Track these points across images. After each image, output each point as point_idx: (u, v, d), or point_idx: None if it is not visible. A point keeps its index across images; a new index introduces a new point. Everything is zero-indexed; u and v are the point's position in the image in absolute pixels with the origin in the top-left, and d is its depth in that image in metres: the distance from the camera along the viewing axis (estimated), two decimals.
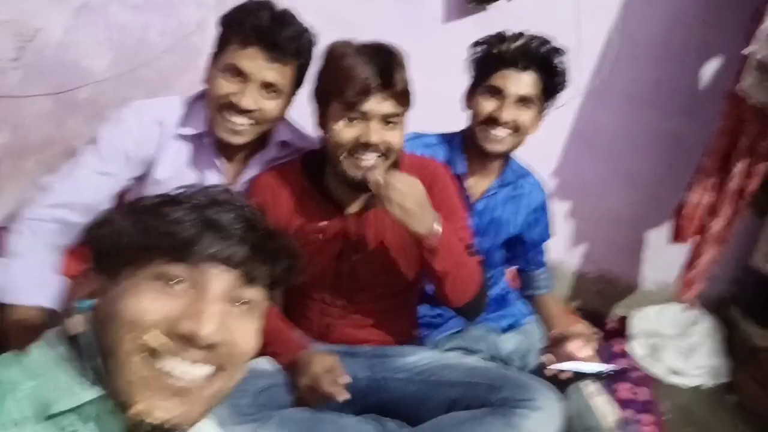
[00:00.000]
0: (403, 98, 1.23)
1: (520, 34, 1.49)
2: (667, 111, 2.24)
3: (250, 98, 1.26)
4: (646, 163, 2.32)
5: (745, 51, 1.79)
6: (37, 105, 1.81)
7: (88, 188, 1.30)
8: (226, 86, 1.27)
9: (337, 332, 1.41)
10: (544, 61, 1.48)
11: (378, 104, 1.20)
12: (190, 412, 0.65)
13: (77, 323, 0.68)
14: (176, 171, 1.35)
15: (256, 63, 1.25)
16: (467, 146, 1.59)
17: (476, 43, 1.54)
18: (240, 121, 1.29)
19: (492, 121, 1.49)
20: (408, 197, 1.18)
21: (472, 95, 1.56)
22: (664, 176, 2.33)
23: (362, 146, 1.21)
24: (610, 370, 1.27)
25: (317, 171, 1.33)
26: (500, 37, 1.50)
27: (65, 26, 1.78)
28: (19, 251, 1.23)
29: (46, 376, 0.64)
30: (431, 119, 1.57)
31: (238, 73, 1.26)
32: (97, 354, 0.65)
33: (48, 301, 1.17)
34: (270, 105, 1.30)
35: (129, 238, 0.67)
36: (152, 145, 1.33)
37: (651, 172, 2.33)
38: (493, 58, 1.49)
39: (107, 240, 0.69)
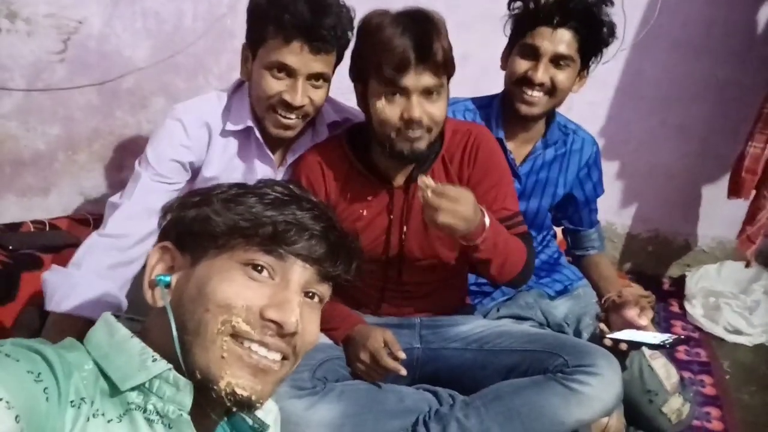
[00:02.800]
0: (443, 68, 1.19)
1: None
2: (720, 56, 2.12)
3: (301, 93, 1.25)
4: (699, 113, 2.21)
5: None
6: (84, 97, 1.86)
7: (154, 202, 1.23)
8: (276, 84, 1.25)
9: (388, 305, 1.41)
10: (583, 17, 1.40)
11: (417, 78, 1.16)
12: (264, 390, 0.69)
13: (158, 297, 0.71)
14: (225, 166, 1.36)
15: (301, 57, 1.22)
16: (505, 109, 1.54)
17: None
18: (292, 116, 1.28)
19: (526, 81, 1.44)
20: (458, 216, 1.13)
21: (507, 55, 1.51)
22: (718, 126, 2.22)
23: (407, 122, 1.19)
24: (669, 341, 1.23)
25: (362, 145, 1.32)
26: None
27: (104, 17, 1.81)
28: (76, 261, 1.23)
29: (109, 356, 0.67)
30: (468, 82, 1.52)
31: (285, 70, 1.24)
32: (175, 328, 0.68)
33: (87, 312, 1.15)
34: (318, 95, 1.29)
35: (221, 224, 0.71)
36: (202, 147, 1.34)
37: (704, 122, 2.23)
38: (528, 15, 1.43)
39: (196, 222, 0.72)
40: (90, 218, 1.84)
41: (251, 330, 0.67)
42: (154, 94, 1.99)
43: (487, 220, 1.20)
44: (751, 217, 2.09)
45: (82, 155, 1.91)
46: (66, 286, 1.18)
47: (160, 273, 0.73)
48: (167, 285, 0.71)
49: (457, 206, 1.12)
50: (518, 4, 1.47)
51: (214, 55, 2.13)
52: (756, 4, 2.07)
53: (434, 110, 1.20)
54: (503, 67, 1.53)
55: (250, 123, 1.34)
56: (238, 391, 0.67)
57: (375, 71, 1.17)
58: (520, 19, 1.47)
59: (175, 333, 0.67)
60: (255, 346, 0.68)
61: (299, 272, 0.71)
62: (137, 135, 1.99)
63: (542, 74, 1.42)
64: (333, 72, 1.32)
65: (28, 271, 1.48)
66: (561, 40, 1.41)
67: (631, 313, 1.36)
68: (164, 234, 0.76)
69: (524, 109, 1.47)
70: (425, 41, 1.15)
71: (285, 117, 1.27)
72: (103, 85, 1.88)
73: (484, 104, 1.58)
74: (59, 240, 1.67)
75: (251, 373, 0.68)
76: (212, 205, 0.72)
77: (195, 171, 1.35)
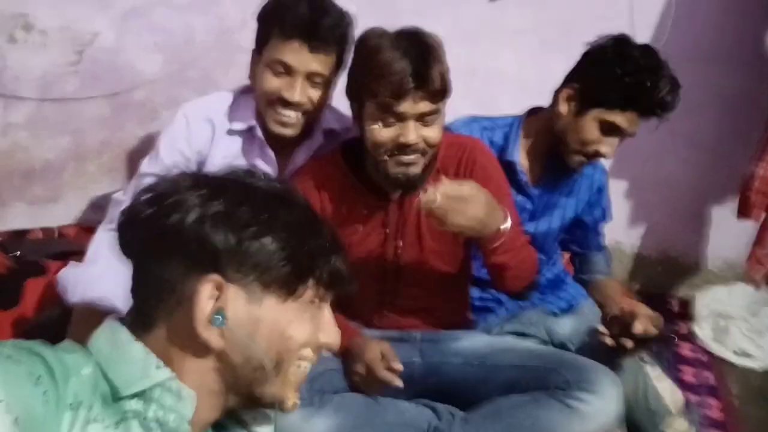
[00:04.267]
0: (440, 95, 1.18)
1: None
2: (732, 67, 2.09)
3: (299, 91, 1.28)
4: (709, 126, 2.17)
5: None
6: (94, 109, 1.89)
7: None
8: (275, 81, 1.29)
9: (386, 318, 1.41)
10: None
11: (414, 105, 1.16)
12: None
13: (216, 338, 0.66)
14: (227, 164, 1.37)
15: (300, 56, 1.26)
16: (526, 131, 1.55)
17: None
18: (290, 113, 1.31)
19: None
20: (474, 217, 1.12)
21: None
22: (730, 140, 2.18)
23: (401, 146, 1.19)
24: (671, 334, 1.22)
25: (357, 159, 1.33)
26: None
27: (116, 30, 1.85)
28: (89, 258, 1.31)
29: (112, 360, 0.66)
30: (473, 95, 1.53)
31: (284, 67, 1.28)
32: (269, 364, 0.69)
33: (110, 302, 1.20)
34: (317, 94, 1.32)
35: (282, 271, 0.68)
36: (205, 143, 1.37)
37: (715, 136, 2.19)
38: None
39: (246, 255, 0.66)
40: (98, 227, 1.85)
41: (314, 356, 0.74)
42: (163, 107, 2.02)
43: (506, 224, 1.19)
44: (760, 239, 2.06)
45: (91, 166, 1.93)
46: (86, 279, 1.23)
47: (214, 311, 0.65)
48: (222, 325, 0.66)
49: (467, 207, 1.11)
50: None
51: (224, 69, 2.15)
52: (766, 15, 2.05)
53: (430, 134, 1.20)
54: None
55: (253, 122, 1.38)
56: (292, 403, 0.73)
57: (371, 95, 1.17)
58: None
59: (271, 369, 0.69)
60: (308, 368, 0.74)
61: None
62: (146, 147, 2.01)
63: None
64: (334, 76, 1.35)
65: (33, 277, 1.49)
66: None
67: (637, 325, 1.32)
68: (207, 260, 0.65)
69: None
70: (423, 68, 1.14)
71: (283, 114, 1.31)
72: (113, 97, 1.90)
73: (502, 124, 1.57)
74: (66, 247, 1.69)
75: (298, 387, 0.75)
76: (275, 235, 0.67)
77: (198, 167, 1.38)
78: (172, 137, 1.38)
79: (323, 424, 1.18)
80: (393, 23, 1.23)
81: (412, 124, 1.17)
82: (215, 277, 0.65)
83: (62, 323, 1.24)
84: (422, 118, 1.18)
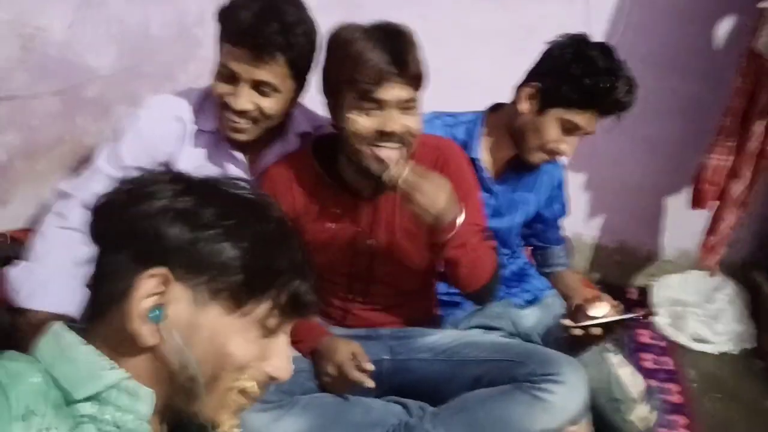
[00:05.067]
0: (418, 81, 1.19)
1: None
2: (685, 73, 2.17)
3: (243, 99, 1.23)
4: (665, 128, 2.26)
5: (761, 5, 1.73)
6: (45, 105, 1.81)
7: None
8: (221, 87, 1.25)
9: (355, 316, 1.40)
10: None
11: (394, 91, 1.15)
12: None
13: (150, 334, 0.63)
14: (196, 165, 1.34)
15: (243, 63, 1.21)
16: (489, 127, 1.56)
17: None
18: (238, 120, 1.27)
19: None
20: (437, 201, 1.15)
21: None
22: (684, 141, 2.26)
23: (382, 135, 1.18)
24: (637, 316, 1.25)
25: (329, 156, 1.31)
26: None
27: (67, 23, 1.77)
28: (39, 256, 1.24)
29: (59, 365, 0.63)
30: (440, 96, 1.53)
31: (230, 74, 1.23)
32: (198, 372, 0.65)
33: (64, 308, 1.16)
34: (267, 103, 1.26)
35: (237, 280, 0.65)
36: (172, 142, 1.32)
37: (669, 136, 2.27)
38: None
39: (198, 254, 0.64)
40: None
41: (258, 390, 0.69)
42: (118, 103, 1.95)
43: (460, 219, 1.20)
44: (713, 228, 2.14)
45: (42, 163, 1.85)
46: (33, 282, 1.17)
47: (153, 305, 0.63)
48: (158, 321, 0.63)
49: (432, 188, 1.14)
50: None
51: (182, 64, 2.10)
52: (716, 23, 2.13)
53: (410, 122, 1.19)
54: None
55: (218, 125, 1.34)
56: (229, 425, 0.69)
57: (349, 85, 1.16)
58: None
59: (199, 377, 0.65)
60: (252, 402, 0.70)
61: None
62: (99, 143, 1.94)
63: None
64: (292, 83, 1.29)
65: None
66: None
67: (597, 308, 1.36)
68: (157, 253, 0.63)
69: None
70: (401, 54, 1.15)
71: (231, 119, 1.27)
72: (65, 93, 1.83)
73: (465, 120, 1.58)
74: (16, 253, 1.61)
75: (240, 412, 0.70)
76: (235, 242, 0.64)
77: (166, 165, 1.33)
78: (138, 135, 1.32)
79: (293, 425, 1.17)
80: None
81: (393, 112, 1.17)
82: (162, 271, 0.62)
83: (7, 330, 1.18)
84: (402, 106, 1.18)
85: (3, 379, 0.58)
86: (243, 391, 0.67)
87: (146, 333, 0.62)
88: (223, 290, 0.64)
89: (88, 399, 0.62)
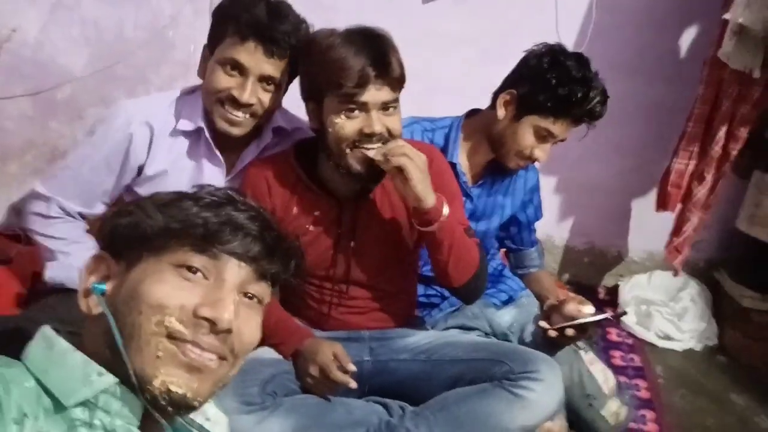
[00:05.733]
0: (399, 83, 1.22)
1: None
2: (651, 78, 2.25)
3: (250, 92, 1.27)
4: (632, 132, 2.33)
5: (725, 16, 1.81)
6: (17, 107, 1.78)
7: (89, 184, 1.36)
8: (226, 80, 1.28)
9: (336, 319, 1.41)
10: None
11: (376, 93, 1.18)
12: (201, 389, 0.69)
13: (94, 305, 0.70)
14: (171, 164, 1.36)
15: (254, 57, 1.26)
16: (466, 133, 1.59)
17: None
18: (239, 113, 1.30)
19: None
20: (419, 158, 1.20)
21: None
22: (650, 145, 2.34)
23: (366, 137, 1.20)
24: (610, 315, 1.30)
25: (310, 160, 1.32)
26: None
27: (40, 24, 1.75)
28: (61, 250, 1.34)
29: (50, 371, 0.65)
30: (414, 100, 1.56)
31: (237, 67, 1.27)
32: (117, 332, 0.66)
33: None
34: (267, 97, 1.31)
35: (153, 227, 0.70)
36: (142, 146, 1.34)
37: (636, 140, 2.34)
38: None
39: (130, 228, 0.72)
40: (21, 234, 1.75)
41: (185, 329, 0.67)
42: (91, 105, 1.93)
43: (445, 209, 1.23)
44: (677, 229, 2.22)
45: (14, 167, 1.82)
46: (73, 273, 1.22)
47: (95, 281, 0.72)
48: (102, 293, 0.70)
49: (421, 164, 1.19)
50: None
51: (155, 66, 2.08)
52: (680, 31, 2.22)
53: (392, 124, 1.22)
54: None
55: (201, 124, 1.35)
56: (173, 388, 0.66)
57: (332, 89, 1.18)
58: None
59: (117, 336, 0.66)
60: (189, 347, 0.67)
61: (234, 271, 0.71)
62: (72, 146, 1.91)
63: None
64: (287, 81, 1.35)
65: None
66: None
67: (571, 306, 1.40)
68: (101, 244, 0.75)
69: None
70: (383, 57, 1.18)
71: (231, 113, 1.30)
72: (37, 95, 1.80)
73: (442, 125, 1.61)
74: None
75: (186, 371, 0.67)
76: (146, 210, 0.72)
77: (136, 171, 1.36)
78: (108, 139, 1.34)
79: (277, 426, 1.18)
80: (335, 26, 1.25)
81: (375, 114, 1.20)
82: (98, 253, 0.74)
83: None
84: (384, 107, 1.21)
85: None
86: (171, 336, 0.67)
87: (88, 305, 0.71)
88: (140, 247, 0.71)
89: (78, 405, 0.63)
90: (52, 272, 1.33)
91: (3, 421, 0.57)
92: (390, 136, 1.23)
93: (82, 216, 1.38)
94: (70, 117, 1.90)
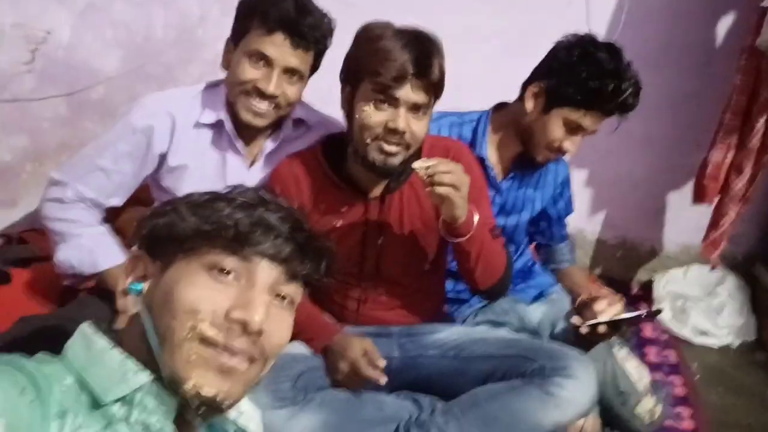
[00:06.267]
0: (435, 88, 1.22)
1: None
2: (681, 69, 2.20)
3: (275, 84, 1.30)
4: (663, 124, 2.28)
5: (763, 3, 1.75)
6: (52, 108, 1.82)
7: (107, 172, 1.36)
8: (252, 72, 1.30)
9: (366, 314, 1.41)
10: None
11: (411, 92, 1.19)
12: (232, 390, 0.69)
13: (130, 304, 0.72)
14: (194, 157, 1.39)
15: (281, 49, 1.29)
16: (494, 126, 1.57)
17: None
18: (263, 105, 1.33)
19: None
20: (463, 185, 1.18)
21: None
22: (682, 137, 2.29)
23: (389, 132, 1.20)
24: (645, 313, 1.27)
25: (338, 156, 1.33)
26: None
27: (72, 27, 1.78)
28: (72, 233, 1.34)
29: (89, 369, 0.66)
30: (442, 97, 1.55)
31: (263, 59, 1.30)
32: (153, 334, 0.68)
33: (120, 258, 1.32)
34: (291, 90, 1.34)
35: (187, 228, 0.71)
36: (163, 136, 1.36)
37: (668, 133, 2.30)
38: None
39: (165, 228, 0.73)
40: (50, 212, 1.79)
41: (217, 334, 0.67)
42: (123, 105, 1.94)
43: (475, 218, 1.23)
44: (714, 222, 2.16)
45: (50, 167, 1.86)
46: (85, 253, 1.32)
47: (132, 281, 0.73)
48: (139, 292, 0.72)
49: (455, 172, 1.17)
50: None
51: (184, 65, 2.11)
52: (713, 21, 2.16)
53: (417, 128, 1.22)
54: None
55: (222, 116, 1.38)
56: (204, 391, 0.66)
57: (371, 75, 1.19)
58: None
59: (153, 336, 0.67)
60: (221, 351, 0.68)
61: (266, 272, 0.71)
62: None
63: None
64: (308, 75, 1.37)
65: None
66: None
67: (603, 304, 1.38)
68: (139, 243, 0.77)
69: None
70: (425, 58, 1.18)
71: (256, 104, 1.32)
72: (71, 96, 1.84)
73: (470, 120, 1.59)
74: (29, 254, 1.62)
75: (218, 373, 0.68)
76: (179, 211, 0.73)
77: (158, 161, 1.39)
78: (129, 129, 1.35)
79: (308, 422, 1.18)
80: (360, 23, 1.25)
81: (403, 111, 1.20)
82: (136, 253, 0.75)
83: (31, 337, 1.20)
84: (414, 109, 1.21)
85: (41, 382, 0.60)
86: (204, 340, 0.67)
87: (125, 304, 0.73)
88: (174, 248, 0.72)
89: (116, 401, 0.65)
90: (63, 253, 1.33)
91: (46, 418, 0.59)
92: (413, 139, 1.23)
93: (98, 205, 1.37)
94: (102, 116, 1.93)
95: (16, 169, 1.80)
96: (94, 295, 1.33)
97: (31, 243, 1.72)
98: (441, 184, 1.15)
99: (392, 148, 1.22)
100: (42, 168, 1.85)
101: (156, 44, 2.00)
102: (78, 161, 1.38)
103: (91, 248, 1.33)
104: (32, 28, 1.69)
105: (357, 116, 1.23)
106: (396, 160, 1.24)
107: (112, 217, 1.48)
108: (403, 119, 1.19)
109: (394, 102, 1.19)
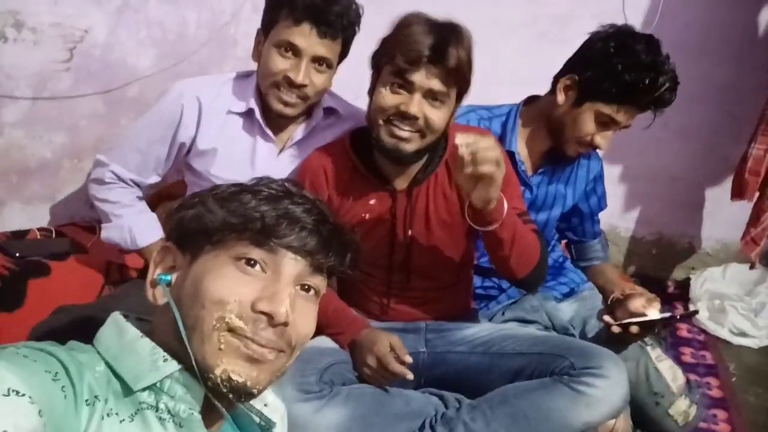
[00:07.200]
0: (454, 77, 1.20)
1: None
2: (720, 58, 2.13)
3: (304, 73, 1.33)
4: (700, 115, 2.21)
5: None
6: (89, 106, 1.87)
7: (143, 154, 1.46)
8: (282, 62, 1.33)
9: (393, 310, 1.41)
10: None
11: (426, 78, 1.18)
12: (260, 378, 0.70)
13: (160, 295, 0.73)
14: (224, 141, 1.43)
15: (309, 39, 1.31)
16: (524, 120, 1.55)
17: None
18: (293, 94, 1.35)
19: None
20: (503, 163, 1.13)
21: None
22: (720, 128, 2.22)
23: (400, 115, 1.20)
24: (680, 314, 1.23)
25: (365, 148, 1.33)
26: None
27: (108, 26, 1.83)
28: (114, 212, 1.46)
29: (120, 357, 0.68)
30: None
31: (292, 49, 1.32)
32: (181, 324, 0.69)
33: (159, 233, 1.44)
34: (320, 79, 1.36)
35: (215, 220, 0.73)
36: (191, 118, 1.42)
37: (706, 125, 2.23)
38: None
39: (193, 221, 0.74)
40: (96, 225, 1.85)
41: (244, 325, 0.69)
42: None
43: (506, 205, 1.20)
44: (755, 219, 2.09)
45: (88, 163, 1.91)
46: (125, 231, 1.44)
47: (161, 272, 0.75)
48: (168, 283, 0.73)
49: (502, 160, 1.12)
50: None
51: (218, 63, 2.14)
52: (755, 7, 2.08)
53: (433, 115, 1.21)
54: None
55: (252, 105, 1.41)
56: (234, 377, 0.68)
57: (389, 60, 1.20)
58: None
59: (181, 327, 0.69)
60: (249, 342, 0.69)
61: (291, 264, 0.72)
62: None
63: None
64: (337, 63, 1.39)
65: (35, 278, 1.48)
66: None
67: (637, 303, 1.35)
68: (168, 235, 0.78)
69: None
70: (442, 44, 1.17)
71: (286, 95, 1.36)
72: (108, 94, 1.89)
73: (500, 114, 1.57)
74: (65, 247, 1.67)
75: (247, 361, 0.69)
76: (207, 204, 0.74)
77: (188, 142, 1.44)
78: (160, 113, 1.43)
79: (334, 415, 1.19)
80: (389, 17, 1.25)
81: (417, 97, 1.19)
82: (165, 244, 0.76)
83: (69, 326, 1.24)
84: (430, 96, 1.20)
85: (73, 368, 0.62)
86: (231, 330, 0.68)
87: (155, 295, 0.74)
88: (202, 240, 0.73)
89: (145, 389, 0.67)
90: (106, 233, 1.47)
91: (77, 403, 0.60)
92: (427, 127, 1.21)
93: (136, 183, 1.48)
94: (138, 114, 1.97)
95: (55, 165, 1.85)
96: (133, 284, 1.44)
97: (69, 237, 1.78)
98: (485, 160, 1.10)
99: (403, 133, 1.21)
100: (80, 164, 1.91)
101: (189, 43, 2.04)
102: (118, 144, 1.50)
103: (130, 227, 1.45)
104: (70, 28, 1.74)
105: (374, 98, 1.24)
106: (409, 147, 1.23)
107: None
108: (416, 104, 1.19)
109: (409, 86, 1.19)
